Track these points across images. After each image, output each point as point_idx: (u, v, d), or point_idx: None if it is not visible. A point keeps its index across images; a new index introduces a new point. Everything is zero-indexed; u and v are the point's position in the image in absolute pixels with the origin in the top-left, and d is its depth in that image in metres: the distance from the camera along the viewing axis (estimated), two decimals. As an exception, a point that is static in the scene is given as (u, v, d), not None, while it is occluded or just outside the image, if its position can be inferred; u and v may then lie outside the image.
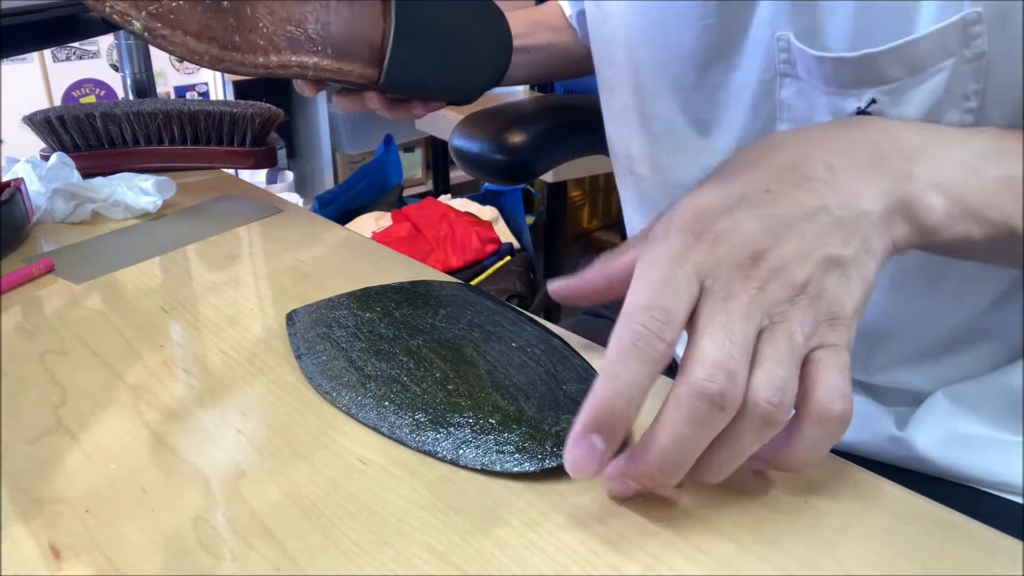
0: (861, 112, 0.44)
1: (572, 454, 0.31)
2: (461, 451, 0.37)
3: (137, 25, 0.49)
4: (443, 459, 0.37)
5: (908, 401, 0.52)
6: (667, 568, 0.31)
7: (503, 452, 0.36)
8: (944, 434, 0.50)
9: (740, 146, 0.51)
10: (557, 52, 0.76)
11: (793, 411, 0.31)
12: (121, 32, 0.91)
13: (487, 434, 0.38)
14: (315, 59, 0.55)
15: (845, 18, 0.43)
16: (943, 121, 0.41)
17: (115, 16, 0.49)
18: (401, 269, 0.58)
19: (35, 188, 0.67)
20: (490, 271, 1.75)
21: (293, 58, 0.55)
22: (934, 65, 0.40)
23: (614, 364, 0.30)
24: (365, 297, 0.50)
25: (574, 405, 0.39)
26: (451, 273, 0.58)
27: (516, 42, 0.66)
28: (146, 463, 0.37)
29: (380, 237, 1.77)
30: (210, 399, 0.42)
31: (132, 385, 0.44)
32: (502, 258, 1.78)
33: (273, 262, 0.60)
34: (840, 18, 0.43)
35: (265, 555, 0.32)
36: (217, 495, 0.35)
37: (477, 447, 0.37)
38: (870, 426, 0.52)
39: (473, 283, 1.62)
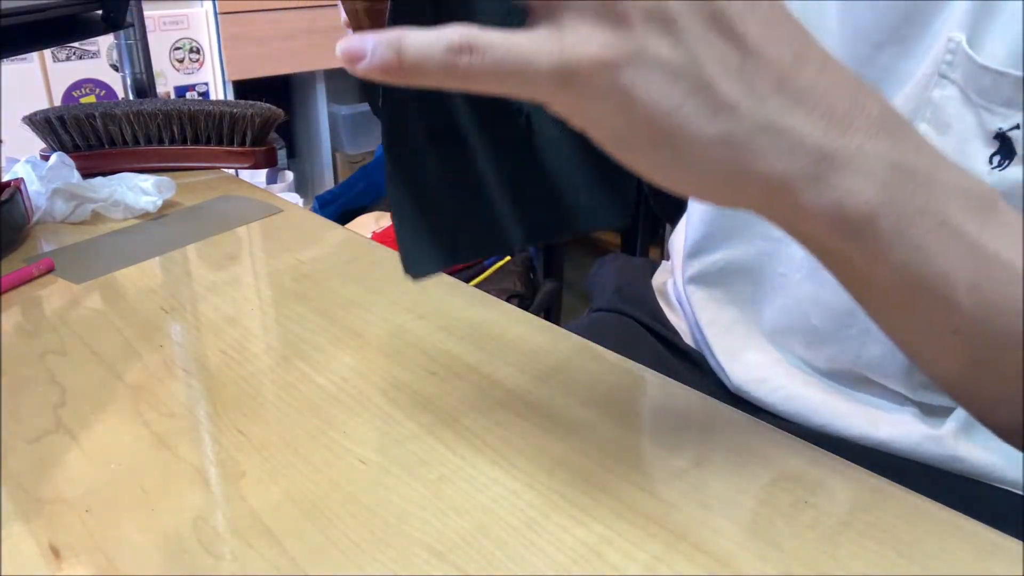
0: (1001, 134, 0.43)
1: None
2: None
3: None
4: None
5: (944, 413, 0.52)
6: (667, 568, 0.31)
7: None
8: (986, 435, 0.50)
9: None
10: None
11: None
12: (121, 32, 0.91)
13: None
14: None
15: (1016, 35, 0.42)
16: None
17: None
18: (401, 269, 0.58)
19: (35, 188, 0.67)
20: (490, 271, 1.74)
21: None
22: None
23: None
24: None
25: None
26: (451, 273, 0.58)
27: None
28: (146, 463, 0.37)
29: (380, 237, 1.77)
30: (210, 399, 0.42)
31: (132, 385, 0.44)
32: (502, 258, 1.78)
33: (273, 262, 0.60)
34: (1011, 34, 0.42)
35: (265, 555, 0.32)
36: (217, 495, 0.35)
37: None
38: (911, 429, 0.52)
39: (472, 283, 1.62)
